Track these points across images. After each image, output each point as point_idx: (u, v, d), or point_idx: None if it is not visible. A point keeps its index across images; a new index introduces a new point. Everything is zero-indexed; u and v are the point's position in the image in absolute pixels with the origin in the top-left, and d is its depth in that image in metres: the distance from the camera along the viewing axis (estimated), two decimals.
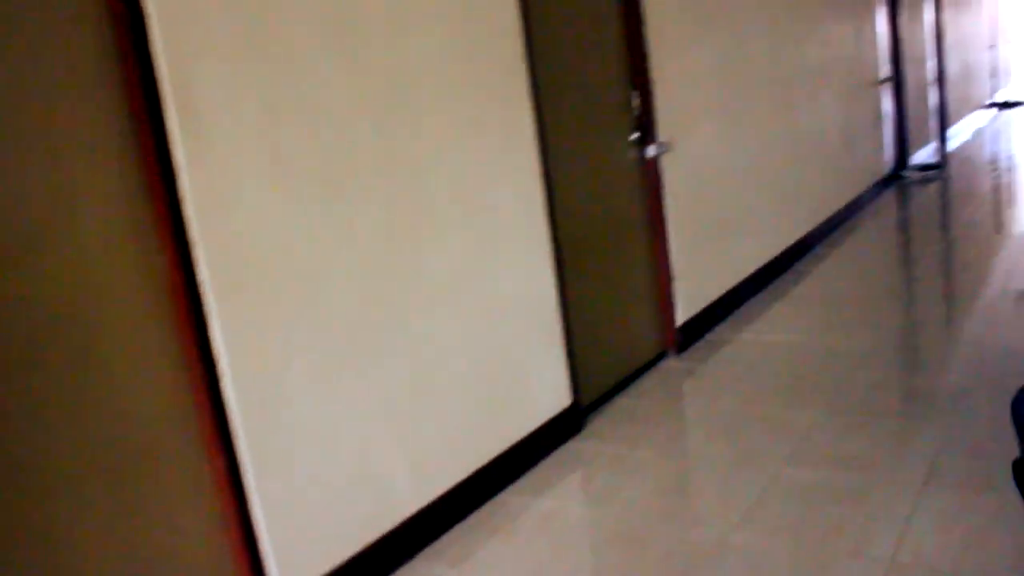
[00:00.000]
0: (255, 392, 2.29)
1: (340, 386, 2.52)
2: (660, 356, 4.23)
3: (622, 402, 3.79)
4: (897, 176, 8.41)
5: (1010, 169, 8.57)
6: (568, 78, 3.56)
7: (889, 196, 7.79)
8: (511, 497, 3.06)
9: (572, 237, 3.55)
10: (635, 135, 3.99)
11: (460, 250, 2.94)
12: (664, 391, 3.89)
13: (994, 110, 13.88)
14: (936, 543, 2.46)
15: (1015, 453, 2.90)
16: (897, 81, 8.41)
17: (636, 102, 3.96)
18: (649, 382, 3.98)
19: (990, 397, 3.33)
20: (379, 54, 2.63)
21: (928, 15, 9.60)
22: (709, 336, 4.48)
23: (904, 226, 6.81)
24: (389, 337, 2.67)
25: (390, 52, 2.66)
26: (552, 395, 3.41)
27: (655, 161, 4.08)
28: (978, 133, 11.50)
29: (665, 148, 4.07)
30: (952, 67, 10.81)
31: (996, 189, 7.69)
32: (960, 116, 11.47)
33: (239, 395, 2.25)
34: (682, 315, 4.30)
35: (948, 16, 10.64)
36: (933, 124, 10.01)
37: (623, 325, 4.00)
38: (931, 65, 9.74)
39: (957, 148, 10.32)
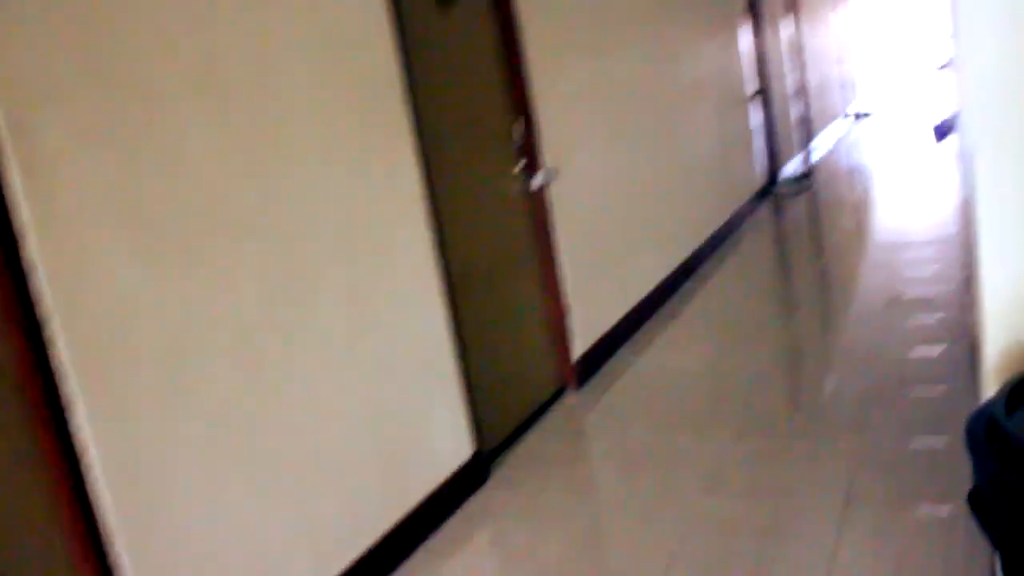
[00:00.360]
0: (129, 489, 2.00)
1: (224, 470, 2.24)
2: (560, 392, 4.08)
3: (526, 444, 3.61)
4: (770, 189, 8.60)
5: (868, 177, 8.92)
6: (450, 110, 3.39)
7: (764, 209, 7.94)
8: (419, 564, 2.82)
9: (463, 275, 3.36)
10: (520, 164, 3.84)
11: (346, 301, 2.71)
12: (568, 429, 3.74)
13: (850, 120, 14.54)
14: (867, 568, 2.39)
15: (926, 465, 2.91)
16: (764, 96, 8.62)
17: (519, 130, 3.82)
18: (551, 420, 3.82)
19: (889, 408, 3.33)
20: (248, 98, 2.38)
21: (786, 31, 9.92)
22: (607, 366, 4.36)
23: (781, 238, 6.94)
24: (274, 406, 2.41)
25: (260, 95, 2.42)
26: (454, 446, 3.20)
27: (542, 190, 3.94)
28: (838, 143, 11.98)
29: (552, 176, 3.94)
30: (811, 81, 11.22)
31: (858, 197, 7.96)
32: (821, 128, 11.92)
33: (112, 494, 1.95)
34: (579, 347, 4.17)
35: (804, 31, 11.05)
36: (798, 137, 10.33)
37: (521, 362, 3.83)
38: (792, 79, 10.07)
39: (821, 159, 10.69)
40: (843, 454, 3.03)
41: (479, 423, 3.35)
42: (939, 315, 4.32)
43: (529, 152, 3.87)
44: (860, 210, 7.35)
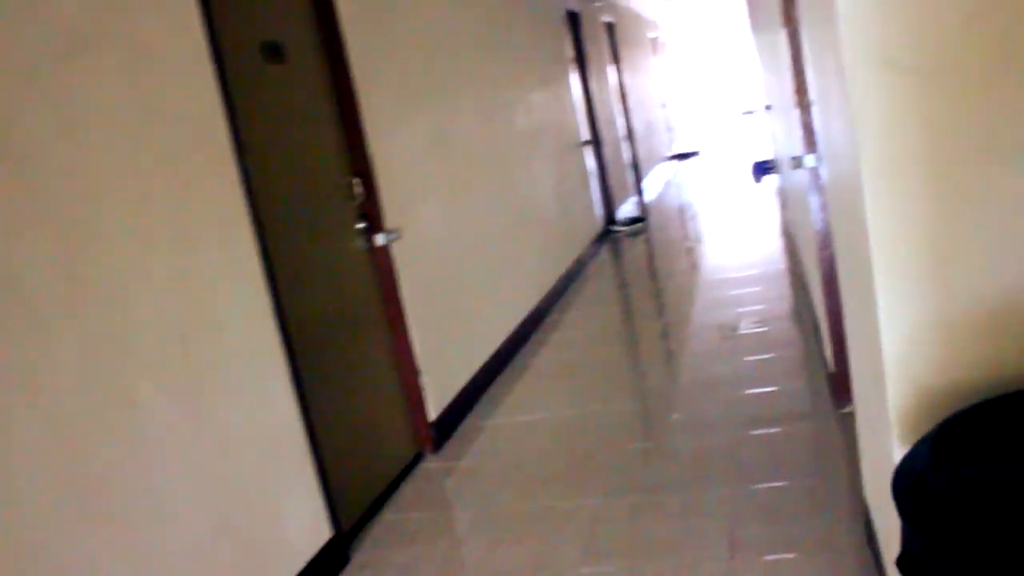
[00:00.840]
0: None
1: None
2: (417, 457, 3.90)
3: (386, 519, 3.40)
4: (608, 232, 8.78)
5: (697, 215, 9.29)
6: (286, 170, 3.19)
7: (604, 252, 8.08)
8: None
9: (308, 344, 3.14)
10: (362, 224, 3.68)
11: (179, 389, 2.44)
12: (429, 498, 3.55)
13: (673, 162, 15.18)
14: None
15: (805, 507, 2.93)
16: (596, 142, 8.82)
17: (359, 189, 3.66)
18: (411, 490, 3.62)
19: (756, 447, 3.34)
20: (54, 175, 2.10)
21: (612, 79, 10.24)
22: (463, 426, 4.21)
23: (621, 281, 7.04)
24: (104, 513, 2.11)
25: (67, 171, 2.14)
26: (310, 531, 2.96)
27: (386, 249, 3.78)
28: (666, 184, 12.45)
29: (395, 235, 3.79)
30: (637, 125, 11.63)
31: (689, 236, 8.25)
32: (649, 170, 12.35)
33: None
34: (433, 410, 4.00)
35: (627, 79, 11.45)
36: (630, 179, 10.65)
37: (374, 430, 3.63)
38: (620, 124, 10.39)
39: (653, 200, 11.06)
40: (719, 503, 3.00)
41: (335, 502, 3.12)
42: (777, 351, 4.45)
43: (370, 211, 3.72)
44: (692, 249, 7.59)
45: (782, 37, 3.45)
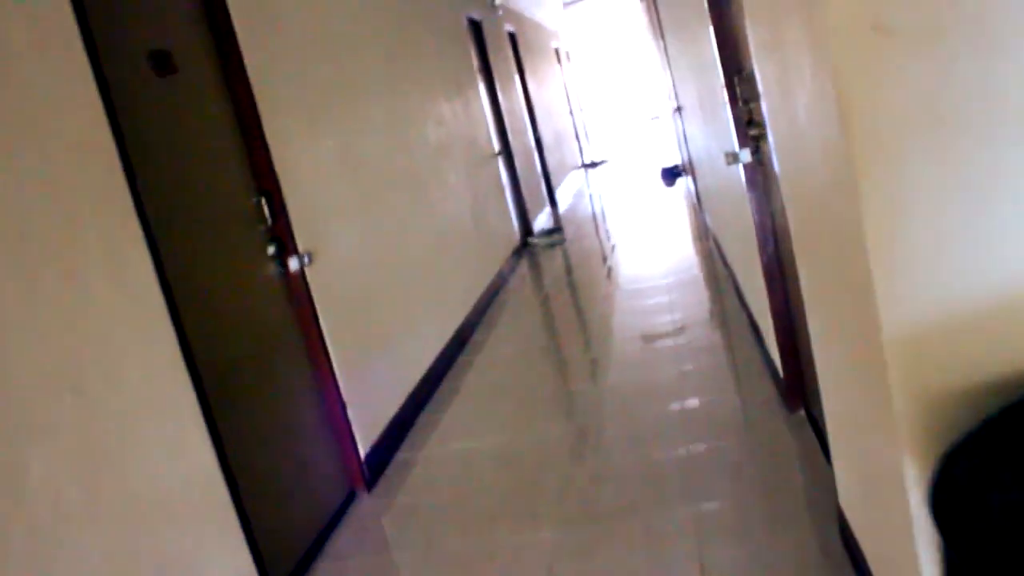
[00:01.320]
0: None
1: None
2: (350, 498, 3.59)
3: (322, 569, 3.10)
4: (525, 244, 8.59)
5: (609, 223, 9.20)
6: (183, 193, 2.87)
7: (523, 266, 7.89)
8: None
9: (221, 385, 2.82)
10: (272, 248, 3.37)
11: (74, 452, 2.11)
12: (367, 542, 3.26)
13: (584, 170, 15.15)
14: None
15: (773, 521, 2.74)
16: (507, 153, 8.63)
17: (267, 211, 3.35)
18: (346, 535, 3.32)
19: (708, 461, 3.17)
20: None
21: (519, 88, 10.09)
22: (396, 460, 3.93)
23: (544, 295, 6.86)
24: None
25: None
26: None
27: (300, 274, 3.49)
28: (578, 192, 12.38)
29: (308, 258, 3.49)
30: (546, 135, 11.51)
31: (604, 244, 8.13)
32: (561, 179, 12.25)
33: None
34: (363, 444, 3.71)
35: (534, 88, 11.34)
36: (542, 190, 10.51)
37: (302, 474, 3.31)
38: (530, 134, 10.25)
39: (566, 209, 10.94)
40: (680, 523, 2.80)
41: (263, 556, 2.80)
42: (710, 357, 4.32)
43: (280, 233, 3.42)
44: (609, 258, 7.46)
45: (708, 32, 3.30)
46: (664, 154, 14.52)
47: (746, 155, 3.10)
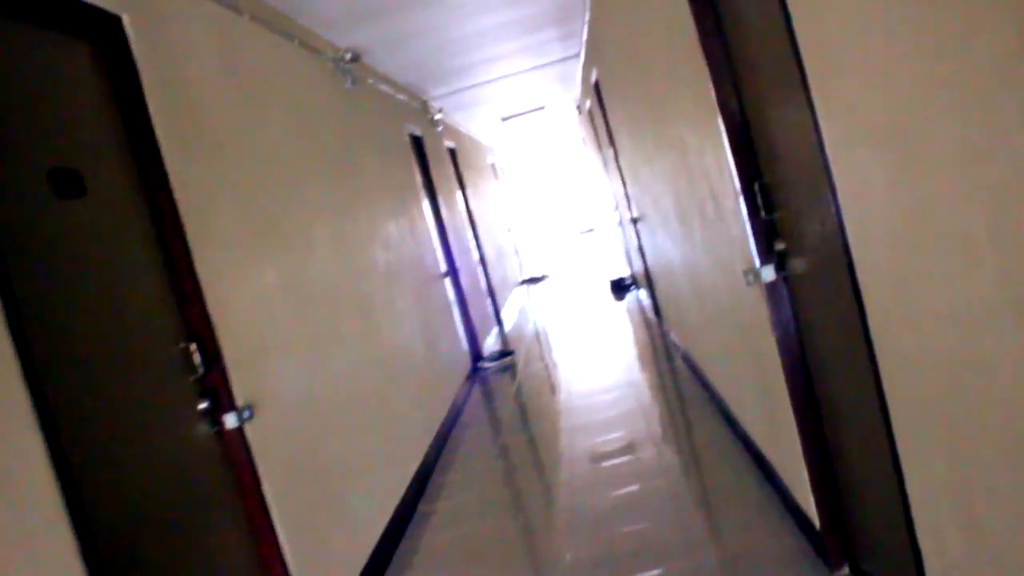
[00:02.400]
0: None
1: None
2: None
3: None
4: (476, 369, 8.04)
5: (556, 341, 8.72)
6: (88, 340, 2.27)
7: (476, 393, 7.32)
8: None
9: (130, 567, 2.17)
10: (204, 403, 2.77)
11: None
12: None
13: (525, 287, 14.79)
14: None
15: None
16: (454, 272, 8.17)
17: (198, 359, 2.77)
18: None
19: None
20: None
21: (461, 205, 9.73)
22: None
23: (500, 426, 6.28)
24: None
25: None
26: None
27: (238, 433, 2.87)
28: (521, 311, 11.94)
29: (250, 413, 2.89)
30: (489, 252, 11.14)
31: (553, 364, 7.62)
32: (505, 297, 11.83)
33: None
34: None
35: (475, 204, 11.01)
36: (490, 309, 10.04)
37: None
38: (474, 252, 9.84)
39: (511, 328, 10.47)
40: None
41: None
42: (716, 503, 3.79)
43: (215, 384, 2.82)
44: (561, 380, 6.95)
45: (716, 137, 2.90)
46: (606, 267, 14.29)
47: (769, 272, 2.65)
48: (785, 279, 2.65)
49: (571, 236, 24.61)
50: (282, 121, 4.07)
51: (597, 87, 7.78)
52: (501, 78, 8.91)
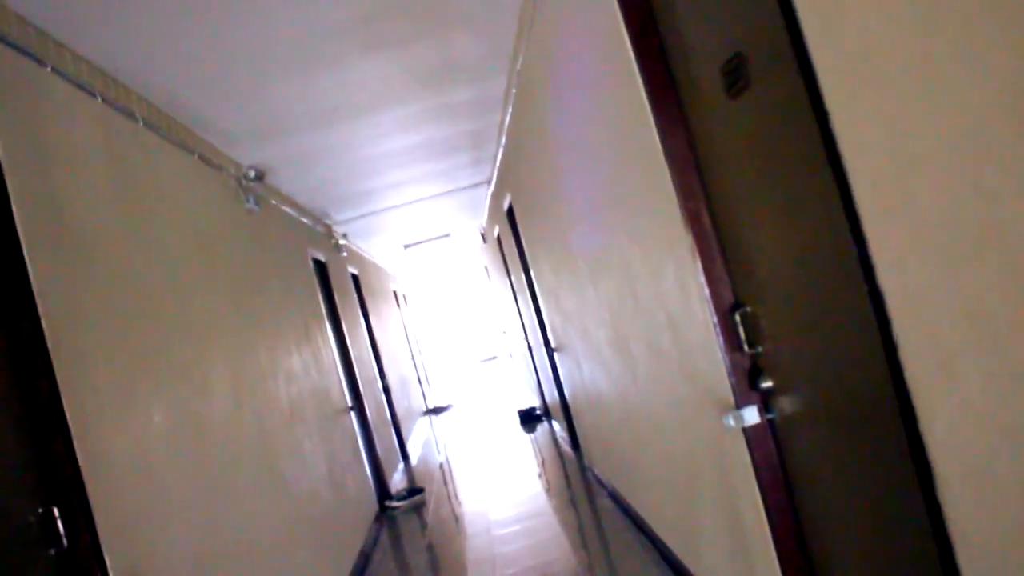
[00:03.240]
0: None
1: None
2: None
3: None
4: (384, 509, 7.40)
5: (464, 475, 8.18)
6: None
7: (384, 536, 6.68)
8: None
9: None
10: None
11: None
12: None
13: (428, 417, 14.21)
14: None
15: None
16: (359, 406, 7.63)
17: (60, 527, 2.21)
18: None
19: None
20: None
21: (364, 333, 9.26)
22: None
23: (410, 569, 5.68)
24: None
25: None
26: None
27: None
28: (426, 443, 11.35)
29: None
30: (392, 382, 10.61)
31: (463, 500, 7.08)
32: (410, 429, 11.25)
33: None
34: None
35: (379, 332, 10.55)
36: (395, 444, 9.47)
37: None
38: (379, 383, 9.31)
39: (417, 462, 9.87)
40: None
41: None
42: None
43: (83, 559, 2.25)
44: (472, 523, 6.41)
45: (681, 265, 2.60)
46: (511, 396, 13.87)
47: (752, 415, 2.31)
48: (770, 422, 2.31)
49: (473, 364, 24.20)
50: (177, 239, 3.61)
51: (511, 212, 7.57)
52: (408, 203, 8.65)
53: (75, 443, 2.28)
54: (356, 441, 6.93)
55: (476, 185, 8.60)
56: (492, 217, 9.92)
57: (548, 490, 6.82)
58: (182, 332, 3.35)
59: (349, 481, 6.13)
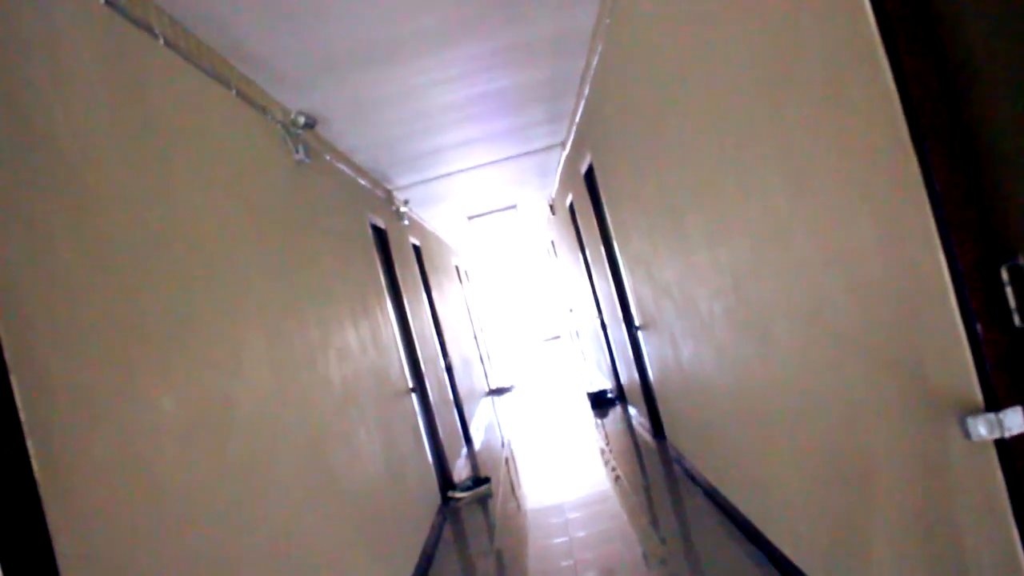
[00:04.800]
0: None
1: None
2: None
3: None
4: (447, 501, 6.75)
5: (534, 464, 7.47)
6: None
7: (448, 533, 6.03)
8: None
9: None
10: None
11: None
12: None
13: (491, 398, 13.57)
14: None
15: None
16: (421, 387, 6.97)
17: None
18: None
19: None
20: None
21: (427, 309, 8.61)
22: None
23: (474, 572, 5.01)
24: None
25: None
26: None
27: None
28: (489, 426, 10.69)
29: None
30: (456, 362, 9.97)
31: (531, 494, 6.37)
32: (473, 411, 10.60)
33: None
34: None
35: (441, 309, 9.90)
36: (459, 428, 8.82)
37: None
38: (441, 362, 8.66)
39: (481, 446, 9.21)
40: None
41: None
42: None
43: None
44: (549, 522, 5.70)
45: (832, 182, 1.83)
46: (576, 377, 13.14)
47: (1018, 419, 1.55)
48: None
49: (535, 344, 23.52)
50: (204, 188, 2.94)
51: (589, 175, 6.80)
52: (474, 168, 7.93)
53: (31, 442, 1.61)
54: (418, 425, 6.27)
55: (549, 148, 7.84)
56: (565, 184, 9.15)
57: (631, 485, 6.07)
58: (208, 300, 2.69)
59: (410, 471, 5.47)
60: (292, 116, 4.35)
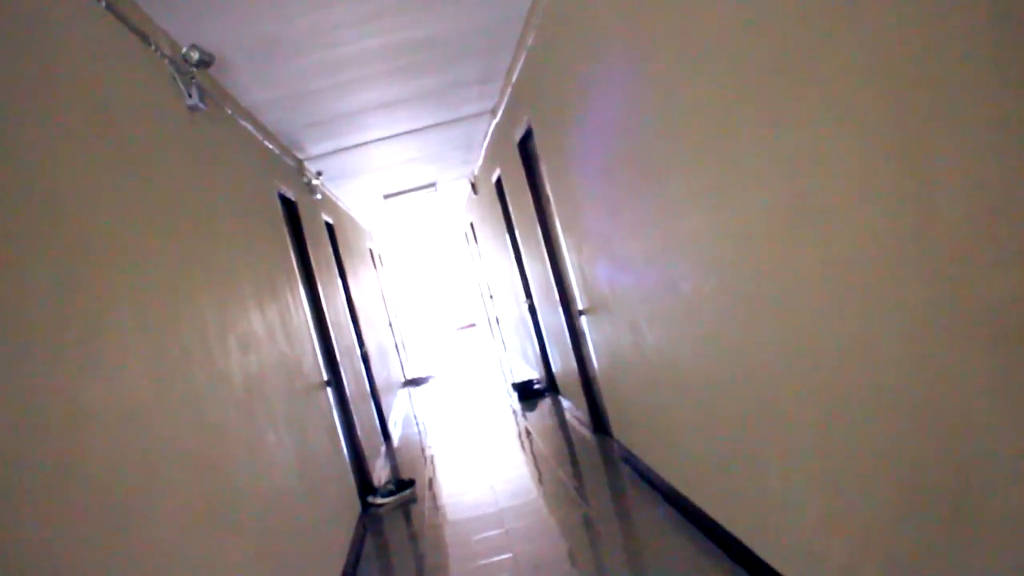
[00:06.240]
0: None
1: None
2: None
3: None
4: (366, 508, 6.02)
5: (458, 463, 6.79)
6: None
7: (368, 545, 5.31)
8: None
9: None
10: None
11: None
12: None
13: (407, 390, 12.83)
14: None
15: None
16: (337, 381, 6.21)
17: None
18: None
19: None
20: None
21: (341, 293, 7.82)
22: None
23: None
24: None
25: None
26: None
27: None
28: (406, 420, 9.97)
29: None
30: (372, 351, 9.21)
31: (459, 501, 5.71)
32: (390, 404, 9.84)
33: None
34: None
35: (356, 294, 9.12)
36: (376, 424, 8.08)
37: None
38: (357, 352, 7.89)
39: (399, 442, 8.49)
40: None
41: None
42: None
43: None
44: (482, 538, 5.04)
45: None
46: (497, 367, 12.51)
47: None
48: None
49: (450, 332, 22.82)
50: (65, 129, 2.16)
51: (524, 142, 6.14)
52: (394, 136, 7.18)
53: None
54: (334, 424, 5.52)
55: (478, 115, 7.14)
56: (492, 158, 8.47)
57: (575, 486, 5.44)
58: (50, 267, 1.91)
59: (326, 477, 4.72)
60: (184, 51, 3.55)
